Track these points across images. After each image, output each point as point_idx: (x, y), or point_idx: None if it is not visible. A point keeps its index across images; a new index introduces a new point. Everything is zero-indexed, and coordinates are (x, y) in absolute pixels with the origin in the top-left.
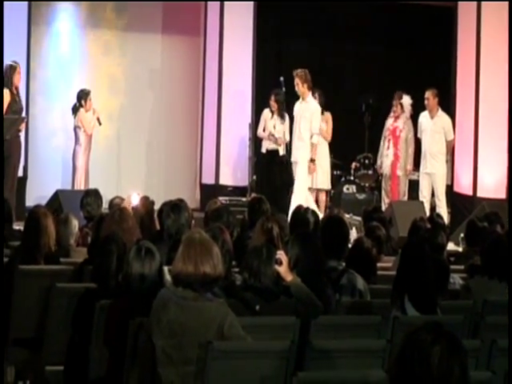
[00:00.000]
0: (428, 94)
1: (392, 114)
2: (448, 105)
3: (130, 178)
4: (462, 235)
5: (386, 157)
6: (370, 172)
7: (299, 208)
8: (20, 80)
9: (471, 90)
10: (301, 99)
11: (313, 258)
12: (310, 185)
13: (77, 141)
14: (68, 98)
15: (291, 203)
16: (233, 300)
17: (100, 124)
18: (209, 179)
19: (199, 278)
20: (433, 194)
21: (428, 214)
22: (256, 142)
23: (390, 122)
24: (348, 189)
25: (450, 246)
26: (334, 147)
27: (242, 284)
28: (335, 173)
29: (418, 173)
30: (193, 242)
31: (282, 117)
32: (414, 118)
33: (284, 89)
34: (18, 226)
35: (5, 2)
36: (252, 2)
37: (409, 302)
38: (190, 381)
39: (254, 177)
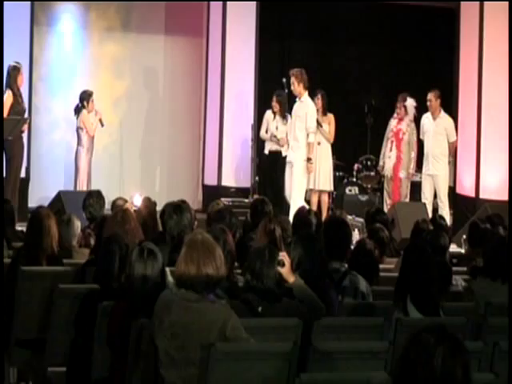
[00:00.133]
0: (430, 96)
1: (395, 116)
2: (450, 106)
3: (132, 179)
4: (464, 237)
5: (389, 158)
6: (373, 173)
7: (302, 209)
8: (23, 81)
9: (474, 91)
10: (297, 99)
11: (315, 260)
12: (306, 185)
13: (79, 142)
14: (71, 98)
15: (290, 205)
16: (235, 301)
17: (102, 125)
18: (211, 180)
19: (202, 279)
20: (435, 196)
21: (430, 215)
22: (258, 142)
23: (393, 124)
24: (350, 190)
25: (453, 248)
26: (337, 148)
27: (245, 285)
28: (337, 174)
29: (420, 174)
30: (195, 243)
31: (284, 118)
32: (417, 120)
33: (286, 90)
34: (21, 227)
35: (8, 3)
36: (254, 2)
37: (411, 304)
38: (192, 382)
39: (257, 178)
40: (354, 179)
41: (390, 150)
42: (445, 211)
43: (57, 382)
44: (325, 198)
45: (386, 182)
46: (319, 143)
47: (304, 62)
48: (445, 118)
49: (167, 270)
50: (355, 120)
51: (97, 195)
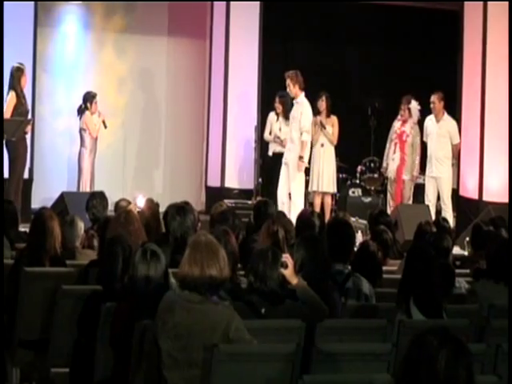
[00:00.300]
0: (434, 98)
1: (399, 118)
2: (454, 108)
3: (135, 181)
4: (467, 239)
5: (393, 161)
6: (376, 175)
7: (305, 211)
8: (26, 82)
9: (477, 93)
10: (294, 101)
11: (318, 262)
12: (305, 185)
13: (82, 143)
14: (74, 100)
15: (291, 207)
16: (238, 303)
17: (106, 127)
18: (214, 182)
19: (205, 281)
20: (438, 198)
21: (434, 217)
22: (262, 144)
23: (397, 126)
24: (354, 192)
25: (456, 250)
26: (340, 150)
27: (248, 287)
28: (341, 176)
29: (423, 176)
30: (199, 245)
31: (287, 119)
32: (421, 122)
33: None
34: (24, 228)
35: (11, 3)
36: (258, 2)
37: (414, 306)
38: (195, 383)
39: (260, 180)
40: (358, 181)
41: (394, 152)
42: (448, 213)
43: (60, 382)
44: (328, 200)
45: (390, 183)
46: (323, 145)
47: (307, 64)
48: (448, 121)
49: (168, 271)
50: (359, 122)
51: (100, 196)
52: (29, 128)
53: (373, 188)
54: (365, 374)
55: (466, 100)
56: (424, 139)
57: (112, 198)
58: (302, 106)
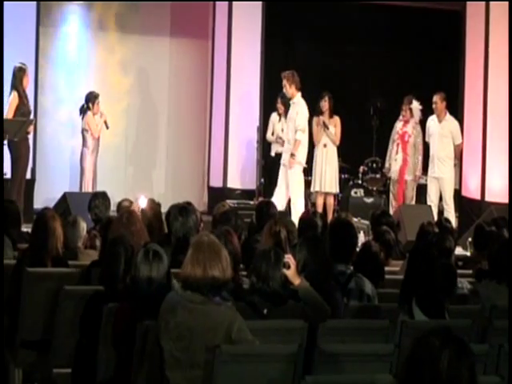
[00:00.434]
0: (436, 98)
1: (401, 118)
2: (456, 108)
3: (137, 181)
4: (469, 239)
5: (395, 161)
6: (378, 176)
7: (307, 211)
8: (28, 82)
9: (479, 93)
10: (290, 101)
11: (321, 262)
12: (303, 185)
13: (84, 143)
14: (76, 100)
15: (292, 208)
16: (241, 303)
17: (107, 127)
18: (217, 182)
19: (208, 281)
20: (441, 198)
21: (436, 218)
22: (264, 144)
23: (399, 126)
24: (356, 192)
25: (458, 251)
26: (342, 151)
27: (250, 287)
28: (343, 176)
29: (425, 177)
30: (201, 245)
31: None
32: (423, 122)
33: None
34: (26, 229)
35: (13, 3)
36: (260, 3)
37: (417, 307)
38: None
39: (262, 180)
40: (360, 181)
41: (396, 152)
42: (450, 214)
43: (62, 383)
44: (330, 201)
45: (392, 184)
46: (325, 145)
47: (309, 64)
48: (450, 121)
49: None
50: (361, 122)
51: (102, 196)
52: (31, 128)
53: (375, 188)
54: (367, 375)
55: (468, 100)
56: (426, 139)
57: (114, 199)
58: (298, 105)
